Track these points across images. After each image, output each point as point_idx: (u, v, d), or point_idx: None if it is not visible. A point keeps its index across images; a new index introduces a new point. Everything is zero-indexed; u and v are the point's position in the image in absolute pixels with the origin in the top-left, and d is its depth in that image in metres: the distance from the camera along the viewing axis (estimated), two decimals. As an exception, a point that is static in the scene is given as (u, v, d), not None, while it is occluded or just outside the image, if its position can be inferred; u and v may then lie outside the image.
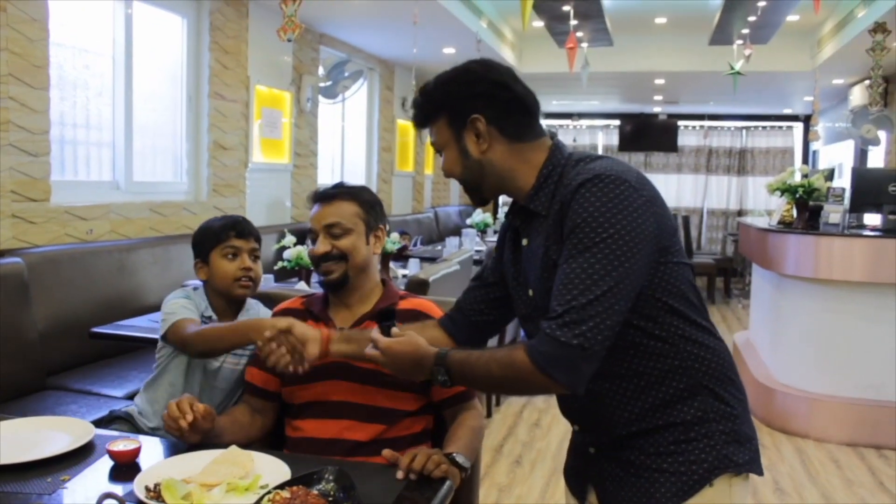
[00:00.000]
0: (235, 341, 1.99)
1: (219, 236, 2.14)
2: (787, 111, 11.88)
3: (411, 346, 1.53)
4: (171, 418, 1.66)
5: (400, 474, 1.54)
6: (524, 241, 1.55)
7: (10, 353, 3.16)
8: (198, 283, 2.24)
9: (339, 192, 1.98)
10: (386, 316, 1.64)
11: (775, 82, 8.80)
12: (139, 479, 1.44)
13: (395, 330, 1.59)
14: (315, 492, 1.39)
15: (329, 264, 1.91)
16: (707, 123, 12.29)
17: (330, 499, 1.38)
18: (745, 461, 1.46)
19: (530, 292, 1.54)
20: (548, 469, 3.91)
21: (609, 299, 1.32)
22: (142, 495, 1.37)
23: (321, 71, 6.44)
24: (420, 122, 1.58)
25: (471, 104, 1.49)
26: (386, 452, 1.63)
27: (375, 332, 1.58)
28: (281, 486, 1.39)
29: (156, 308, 3.76)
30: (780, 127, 12.30)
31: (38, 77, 3.60)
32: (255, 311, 2.21)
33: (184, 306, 2.10)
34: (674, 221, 1.47)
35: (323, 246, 1.91)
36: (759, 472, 1.50)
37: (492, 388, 1.59)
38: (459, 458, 1.67)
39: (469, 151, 1.51)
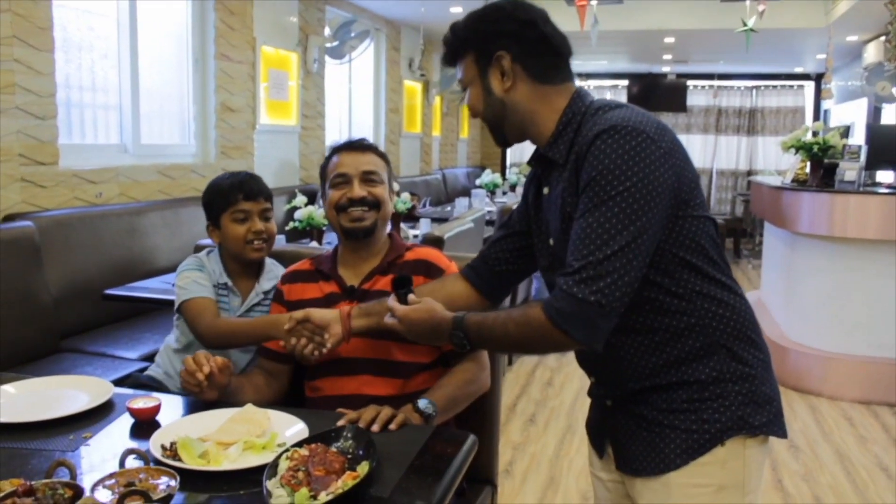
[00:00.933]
0: (252, 339, 2.00)
1: (227, 199, 2.10)
2: (799, 70, 11.69)
3: (428, 313, 1.53)
4: (187, 373, 1.66)
5: (340, 422, 1.54)
6: (545, 190, 1.53)
7: (24, 316, 3.17)
8: (212, 243, 2.22)
9: (370, 144, 2.01)
10: (401, 284, 1.63)
11: (787, 40, 8.64)
12: (155, 438, 1.44)
13: (411, 297, 1.59)
14: (334, 449, 1.38)
15: (362, 210, 1.92)
16: (717, 83, 12.12)
17: (349, 456, 1.38)
18: (762, 423, 1.43)
19: (551, 242, 1.52)
20: (561, 427, 3.93)
21: (627, 254, 1.29)
22: (158, 454, 1.37)
23: (327, 31, 6.35)
24: (448, 59, 1.57)
25: (497, 41, 1.47)
26: (339, 410, 1.65)
27: (392, 301, 1.58)
28: (299, 444, 1.38)
29: (167, 270, 3.78)
30: (791, 86, 12.12)
31: (43, 38, 3.56)
32: (274, 272, 2.17)
33: (196, 280, 2.07)
34: (695, 173, 1.43)
35: (360, 190, 1.92)
36: (780, 434, 1.47)
37: (510, 348, 1.59)
38: (421, 404, 1.71)
39: (492, 89, 1.49)
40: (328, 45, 6.23)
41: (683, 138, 12.22)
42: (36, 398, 1.70)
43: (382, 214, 1.95)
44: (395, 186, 4.43)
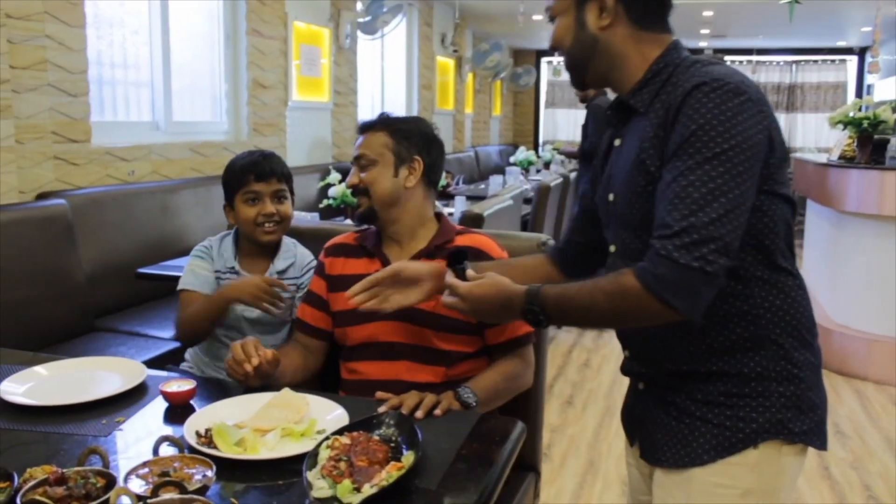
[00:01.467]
0: (213, 312, 1.96)
1: (240, 180, 2.03)
2: (841, 44, 11.36)
3: (495, 288, 1.39)
4: (235, 362, 1.59)
5: (382, 408, 1.46)
6: (617, 142, 1.44)
7: (59, 294, 3.15)
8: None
9: (375, 122, 1.89)
10: (458, 258, 1.53)
11: (831, 12, 8.37)
12: (189, 424, 1.38)
13: (470, 272, 1.47)
14: (376, 437, 1.31)
15: (358, 197, 1.86)
16: (755, 58, 11.84)
17: (392, 444, 1.31)
18: (803, 431, 1.31)
19: (611, 197, 1.42)
20: (600, 409, 3.84)
21: (732, 219, 1.18)
22: (192, 440, 1.31)
23: (359, 6, 6.26)
24: None
25: None
26: (379, 394, 1.57)
27: (451, 278, 1.46)
28: (339, 432, 1.32)
29: (200, 249, 3.74)
30: (833, 60, 11.81)
31: (74, 14, 3.51)
32: (292, 251, 2.11)
33: (194, 270, 2.05)
34: (785, 148, 1.32)
35: (351, 178, 1.87)
36: (821, 446, 1.35)
37: (597, 322, 1.48)
38: (463, 393, 1.62)
39: (587, 23, 1.38)
40: (360, 20, 6.15)
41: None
42: (68, 380, 1.66)
43: (375, 198, 1.82)
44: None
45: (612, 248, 1.45)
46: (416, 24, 7.85)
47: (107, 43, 3.95)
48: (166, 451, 1.28)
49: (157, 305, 3.57)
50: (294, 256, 2.10)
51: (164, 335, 3.19)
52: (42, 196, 3.33)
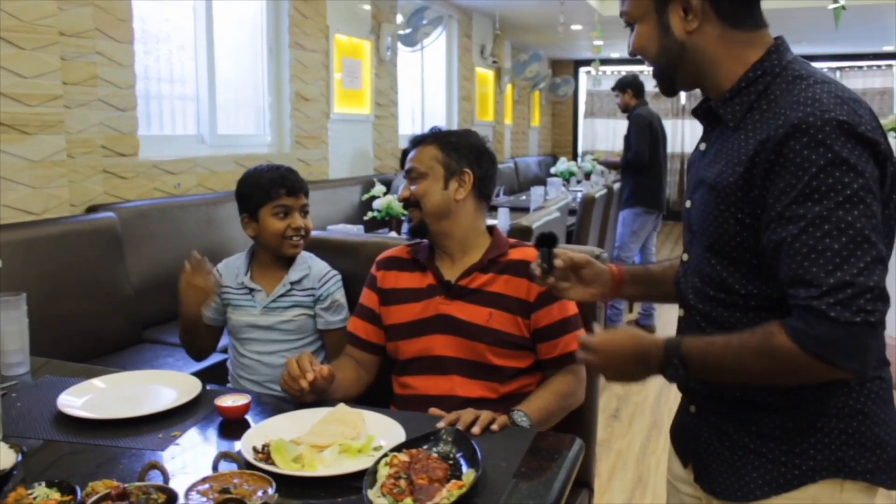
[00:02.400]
0: (184, 328, 2.09)
1: (269, 194, 2.05)
2: (888, 48, 11.14)
3: (630, 339, 1.29)
4: (290, 377, 1.59)
5: (441, 424, 1.45)
6: (702, 146, 1.35)
7: (109, 306, 3.18)
8: None
9: (426, 136, 1.91)
10: (545, 241, 1.47)
11: (879, 16, 8.21)
12: (246, 439, 1.37)
13: (558, 262, 1.45)
14: (435, 454, 1.29)
15: (410, 210, 1.87)
16: (799, 64, 11.66)
17: (450, 461, 1.29)
18: (866, 469, 1.21)
19: (688, 203, 1.35)
20: (647, 423, 3.78)
21: (879, 262, 1.09)
22: (250, 456, 1.30)
23: (400, 19, 6.28)
24: None
25: None
26: (433, 410, 1.57)
27: (584, 336, 1.35)
28: (397, 449, 1.30)
29: (245, 261, 3.76)
30: (879, 66, 11.57)
31: (123, 31, 3.56)
32: (306, 263, 2.13)
33: None
34: None
35: (402, 192, 1.89)
36: (890, 486, 1.24)
37: (747, 380, 1.26)
38: (516, 416, 1.59)
39: (671, 29, 1.27)
40: (401, 32, 6.17)
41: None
42: (124, 393, 1.67)
43: (426, 211, 1.83)
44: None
45: (685, 257, 1.38)
46: (456, 35, 7.86)
47: (154, 58, 4.01)
48: (225, 466, 1.27)
49: (204, 317, 3.59)
50: (308, 268, 2.12)
51: (210, 347, 3.20)
52: (91, 209, 3.38)
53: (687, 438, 1.43)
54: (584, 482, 1.95)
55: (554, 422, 1.74)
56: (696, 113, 1.36)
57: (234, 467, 1.26)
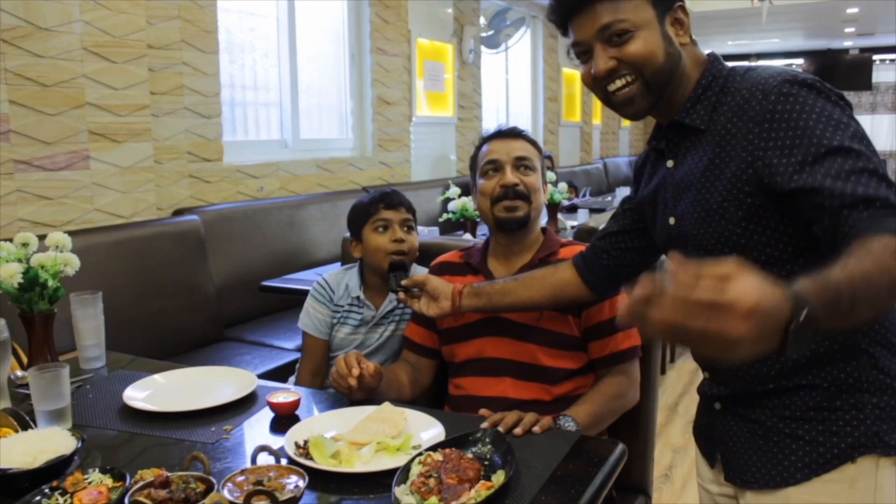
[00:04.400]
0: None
1: (368, 210, 2.05)
2: None
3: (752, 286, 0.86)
4: (339, 375, 1.62)
5: (485, 424, 1.44)
6: (669, 163, 1.36)
7: (192, 305, 3.32)
8: None
9: (522, 131, 1.91)
10: (395, 268, 1.81)
11: None
12: (290, 434, 1.41)
13: (405, 282, 1.77)
14: (470, 455, 1.30)
15: (514, 201, 1.80)
16: (909, 56, 11.06)
17: (486, 462, 1.29)
18: None
19: (671, 220, 1.35)
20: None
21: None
22: (291, 451, 1.34)
23: (482, 21, 6.31)
24: None
25: None
26: (483, 411, 1.56)
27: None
28: (433, 448, 1.31)
29: (325, 262, 3.86)
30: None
31: (209, 41, 3.71)
32: (414, 273, 2.11)
33: (308, 311, 2.10)
34: None
35: (512, 176, 1.81)
36: None
37: (881, 307, 0.99)
38: (562, 421, 1.57)
39: (672, 39, 1.28)
40: (483, 34, 6.19)
41: (867, 119, 11.28)
42: (183, 388, 1.74)
43: (535, 206, 1.83)
44: (552, 177, 4.32)
45: None
46: (541, 36, 7.82)
47: (238, 66, 4.16)
48: (265, 459, 1.31)
49: (283, 317, 3.70)
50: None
51: (287, 346, 3.30)
52: (178, 213, 3.54)
53: (714, 436, 1.41)
54: (639, 488, 1.91)
55: (604, 425, 1.71)
56: (651, 142, 1.40)
57: (273, 461, 1.29)
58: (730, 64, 1.31)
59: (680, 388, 4.24)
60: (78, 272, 1.86)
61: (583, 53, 1.32)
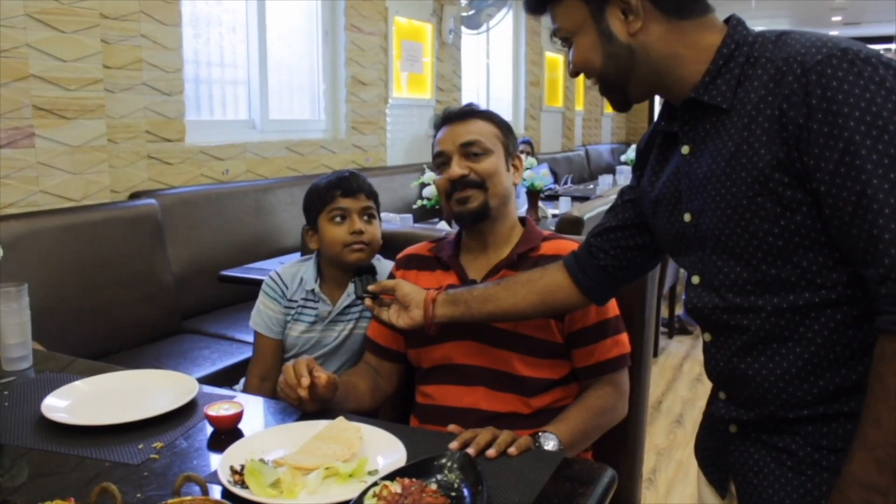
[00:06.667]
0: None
1: (324, 198, 1.83)
2: None
3: None
4: (286, 384, 1.41)
5: (453, 445, 1.25)
6: (684, 149, 1.17)
7: (148, 296, 3.11)
8: None
9: (473, 110, 1.66)
10: (360, 272, 1.55)
11: None
12: (226, 456, 1.21)
13: (373, 287, 1.54)
14: (433, 486, 1.10)
15: (466, 192, 1.58)
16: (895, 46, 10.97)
17: (452, 494, 1.10)
18: None
19: (686, 217, 1.17)
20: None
21: None
22: (225, 478, 1.14)
23: (463, 0, 6.09)
24: (534, 4, 1.21)
25: None
26: (452, 427, 1.37)
27: None
28: (391, 476, 1.11)
29: (294, 250, 3.65)
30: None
31: (170, 13, 3.48)
32: (377, 267, 1.89)
33: (260, 309, 1.90)
34: None
35: (459, 168, 1.58)
36: None
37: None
38: (542, 438, 1.38)
39: (614, 34, 1.13)
40: (464, 14, 5.98)
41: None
42: (113, 396, 1.53)
43: (494, 192, 1.58)
44: (532, 162, 4.12)
45: (697, 280, 1.18)
46: (523, 17, 7.60)
47: (203, 41, 3.92)
48: (191, 488, 1.11)
49: (245, 308, 3.46)
50: (382, 273, 1.88)
51: (249, 339, 3.08)
52: (134, 196, 3.31)
53: (727, 463, 1.22)
54: (626, 507, 1.73)
55: (589, 442, 1.53)
56: (660, 122, 1.24)
57: (198, 492, 1.09)
58: (757, 28, 1.12)
59: (663, 384, 4.08)
60: (20, 260, 1.63)
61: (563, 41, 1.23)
